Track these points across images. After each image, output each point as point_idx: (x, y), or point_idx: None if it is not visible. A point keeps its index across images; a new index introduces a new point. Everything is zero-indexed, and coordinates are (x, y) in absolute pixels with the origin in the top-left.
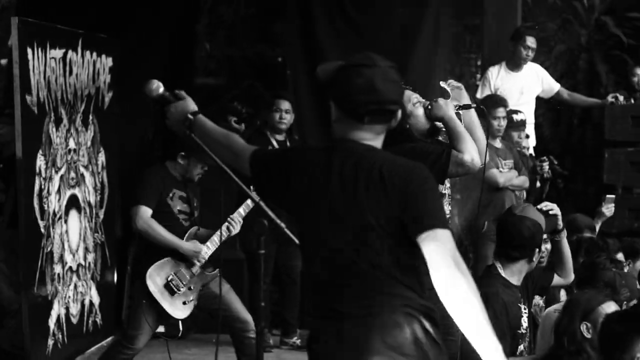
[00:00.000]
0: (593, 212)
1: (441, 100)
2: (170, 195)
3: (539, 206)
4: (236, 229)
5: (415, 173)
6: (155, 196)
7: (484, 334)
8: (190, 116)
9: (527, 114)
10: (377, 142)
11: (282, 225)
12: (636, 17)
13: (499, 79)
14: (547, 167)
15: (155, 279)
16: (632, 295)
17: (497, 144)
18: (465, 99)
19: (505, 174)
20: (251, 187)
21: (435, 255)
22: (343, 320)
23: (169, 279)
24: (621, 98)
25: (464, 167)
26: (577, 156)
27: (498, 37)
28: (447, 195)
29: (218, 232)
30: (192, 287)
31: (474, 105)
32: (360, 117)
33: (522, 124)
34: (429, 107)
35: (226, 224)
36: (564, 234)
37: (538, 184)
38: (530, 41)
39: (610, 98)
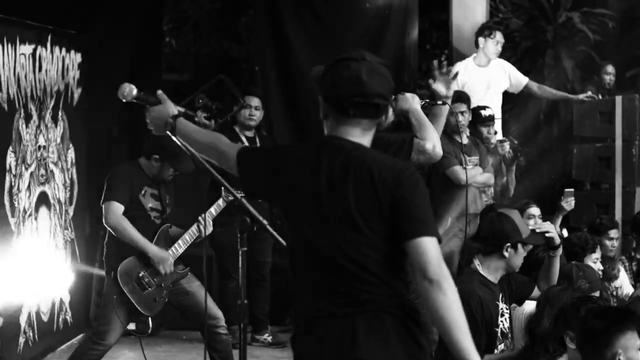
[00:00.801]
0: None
1: (408, 94)
2: (142, 192)
3: (532, 226)
4: (208, 229)
5: (406, 175)
6: (127, 192)
7: (462, 344)
8: (170, 120)
9: (494, 109)
10: (364, 139)
11: (265, 222)
12: (602, 13)
13: (466, 74)
14: (507, 146)
15: (126, 275)
16: (593, 286)
17: (464, 139)
18: (451, 90)
19: (469, 171)
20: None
21: (419, 263)
22: (326, 319)
23: (140, 275)
24: (589, 93)
25: (426, 154)
26: (544, 151)
27: (465, 33)
28: None
29: (189, 231)
30: (162, 284)
31: (440, 102)
32: (345, 109)
33: (490, 119)
34: (395, 100)
35: (196, 224)
36: (559, 252)
37: (504, 169)
38: (500, 36)
39: (584, 97)
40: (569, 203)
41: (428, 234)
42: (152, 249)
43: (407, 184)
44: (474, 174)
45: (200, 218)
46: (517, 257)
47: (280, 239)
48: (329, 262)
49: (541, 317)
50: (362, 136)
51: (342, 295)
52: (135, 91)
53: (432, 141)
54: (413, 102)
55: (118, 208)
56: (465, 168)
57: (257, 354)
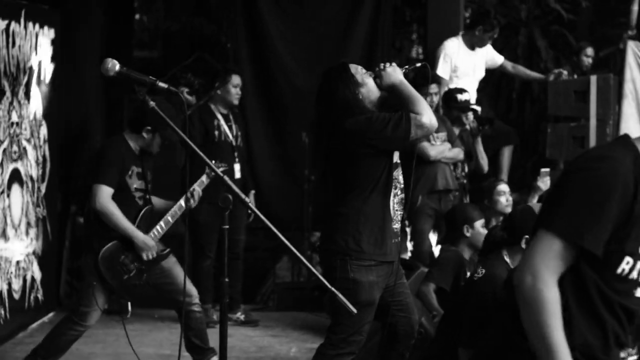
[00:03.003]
0: (530, 186)
1: (388, 68)
2: (129, 173)
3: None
4: (195, 202)
5: (570, 164)
6: (117, 175)
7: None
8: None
9: (471, 92)
10: None
11: (247, 199)
12: None
13: (459, 57)
14: (472, 116)
15: (107, 261)
16: None
17: None
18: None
19: (437, 147)
20: (214, 162)
21: (525, 254)
22: None
23: (121, 259)
24: (565, 73)
25: (424, 129)
26: (516, 131)
27: (441, 12)
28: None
29: (171, 211)
30: (143, 268)
31: (419, 64)
32: None
33: (466, 104)
34: (378, 77)
35: (179, 202)
36: None
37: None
38: (496, 33)
39: (554, 72)
40: (544, 182)
41: (543, 226)
42: (138, 235)
43: (564, 174)
44: (442, 150)
45: (183, 199)
46: None
47: (259, 213)
48: None
49: None
50: None
51: None
52: (117, 66)
53: (427, 114)
54: (397, 74)
55: (107, 192)
56: (432, 144)
57: (229, 333)
